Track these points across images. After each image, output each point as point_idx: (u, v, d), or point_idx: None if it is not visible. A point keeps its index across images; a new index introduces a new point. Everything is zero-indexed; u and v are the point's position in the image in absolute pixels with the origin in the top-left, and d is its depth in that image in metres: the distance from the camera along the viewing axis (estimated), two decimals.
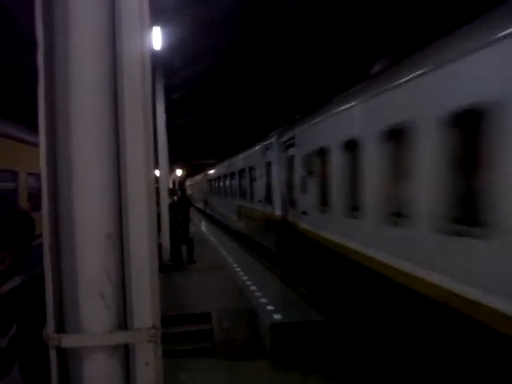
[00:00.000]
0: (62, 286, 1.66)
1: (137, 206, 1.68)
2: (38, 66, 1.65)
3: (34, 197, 12.29)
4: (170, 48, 17.06)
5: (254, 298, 10.10)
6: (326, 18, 18.80)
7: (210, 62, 23.70)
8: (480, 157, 5.26)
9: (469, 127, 5.50)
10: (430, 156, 6.14)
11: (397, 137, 6.97)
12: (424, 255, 6.45)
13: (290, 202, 12.97)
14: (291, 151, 12.75)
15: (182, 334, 8.81)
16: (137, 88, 1.71)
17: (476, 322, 5.23)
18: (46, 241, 1.62)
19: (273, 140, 14.89)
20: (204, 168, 45.63)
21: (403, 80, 6.92)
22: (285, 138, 13.47)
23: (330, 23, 19.12)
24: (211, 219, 33.81)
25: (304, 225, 11.64)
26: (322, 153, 10.17)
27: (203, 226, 29.76)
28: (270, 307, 9.40)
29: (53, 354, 1.62)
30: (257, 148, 17.54)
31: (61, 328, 1.64)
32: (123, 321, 1.69)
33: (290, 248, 12.94)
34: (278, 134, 14.54)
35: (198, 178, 47.94)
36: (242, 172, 20.78)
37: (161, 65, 14.56)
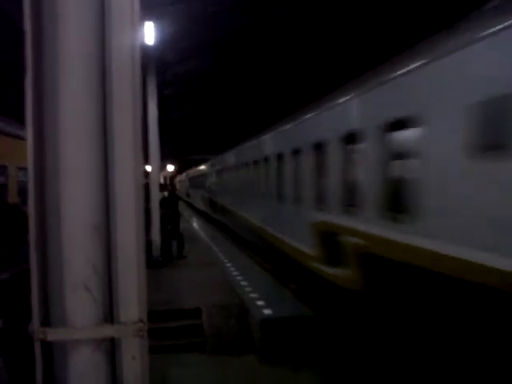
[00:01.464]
0: (47, 279, 1.66)
1: (124, 199, 1.68)
2: (26, 59, 1.64)
3: (25, 191, 12.20)
4: (163, 43, 16.99)
5: (244, 294, 10.09)
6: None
7: (203, 58, 23.64)
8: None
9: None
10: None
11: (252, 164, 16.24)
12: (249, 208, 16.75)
13: (214, 190, 27.45)
14: (214, 168, 27.84)
15: (172, 329, 8.78)
16: (126, 82, 1.70)
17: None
18: (33, 234, 1.61)
19: (211, 161, 30.65)
20: (193, 164, 47.10)
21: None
22: (213, 161, 29.43)
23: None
24: (191, 206, 46.24)
25: (215, 198, 26.65)
26: (220, 170, 24.92)
27: (194, 222, 29.75)
28: (260, 302, 9.39)
29: (38, 348, 1.62)
30: (206, 164, 33.58)
31: (46, 321, 1.64)
32: (109, 314, 1.69)
33: (212, 209, 27.94)
34: (212, 158, 30.68)
35: (183, 176, 61.63)
36: (202, 176, 35.70)
37: (153, 60, 14.46)
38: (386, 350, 6.94)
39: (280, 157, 11.61)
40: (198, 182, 39.62)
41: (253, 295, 10.04)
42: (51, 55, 1.67)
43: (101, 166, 1.68)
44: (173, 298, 10.09)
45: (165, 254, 13.91)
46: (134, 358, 1.70)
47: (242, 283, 11.18)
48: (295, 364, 7.54)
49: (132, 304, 1.70)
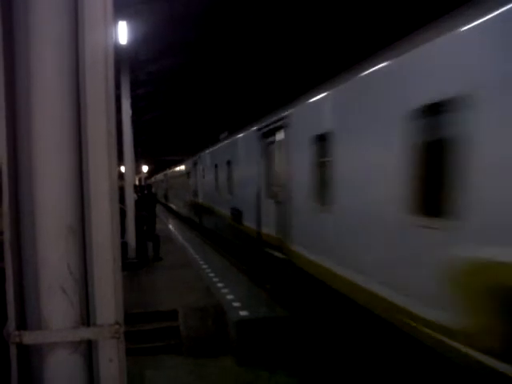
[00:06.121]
0: (23, 282, 1.64)
1: (99, 200, 1.67)
2: None
3: None
4: (137, 42, 16.87)
5: (220, 295, 10.07)
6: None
7: (177, 57, 23.53)
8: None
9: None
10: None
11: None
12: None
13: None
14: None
15: (148, 332, 8.72)
16: (99, 82, 1.69)
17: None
18: (7, 235, 1.59)
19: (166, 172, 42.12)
20: (167, 166, 46.68)
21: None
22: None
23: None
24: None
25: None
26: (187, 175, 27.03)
27: (170, 223, 29.58)
28: (236, 304, 9.38)
29: (13, 351, 1.60)
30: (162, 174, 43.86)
31: (22, 324, 1.62)
32: (86, 316, 1.67)
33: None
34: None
35: (153, 179, 62.36)
36: (162, 181, 45.41)
37: (127, 59, 14.34)
38: (361, 350, 7.01)
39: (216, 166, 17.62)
40: (163, 184, 45.26)
41: (229, 297, 10.03)
42: (24, 55, 1.65)
43: (75, 167, 1.67)
44: (149, 300, 10.02)
45: (140, 255, 13.79)
46: (111, 360, 1.69)
47: (219, 285, 11.17)
48: (272, 365, 7.57)
49: (108, 306, 1.69)
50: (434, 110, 4.65)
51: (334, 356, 7.57)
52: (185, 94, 31.65)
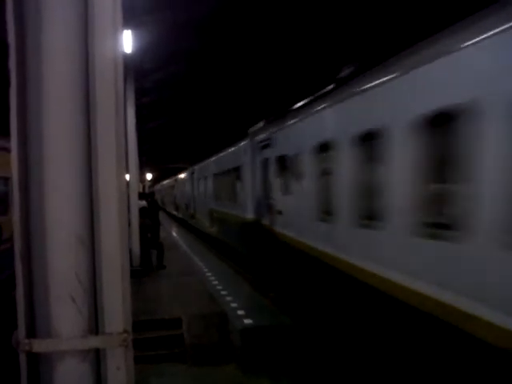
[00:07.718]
0: (32, 291, 1.65)
1: (108, 210, 1.68)
2: (10, 69, 1.63)
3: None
4: (141, 51, 16.94)
5: (224, 303, 10.07)
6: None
7: (181, 66, 23.62)
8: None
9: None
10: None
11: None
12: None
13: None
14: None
15: (152, 340, 8.71)
16: (109, 92, 1.71)
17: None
18: (17, 245, 1.60)
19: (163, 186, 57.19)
20: (171, 174, 48.55)
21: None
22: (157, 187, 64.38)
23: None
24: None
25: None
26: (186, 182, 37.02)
27: (173, 231, 29.60)
28: (240, 312, 9.38)
29: (23, 359, 1.61)
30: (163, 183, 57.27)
31: (31, 333, 1.63)
32: (94, 325, 1.68)
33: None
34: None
35: (156, 188, 70.57)
36: (160, 190, 55.56)
37: (131, 68, 14.40)
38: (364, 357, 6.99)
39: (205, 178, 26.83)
40: (164, 193, 56.03)
41: (233, 305, 10.02)
42: (34, 68, 1.67)
43: (84, 178, 1.69)
44: (152, 308, 10.02)
45: (144, 263, 13.79)
46: (119, 368, 1.70)
47: (223, 292, 11.16)
48: (276, 373, 7.54)
49: (117, 315, 1.70)
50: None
51: (337, 364, 7.54)
52: (188, 101, 31.73)
